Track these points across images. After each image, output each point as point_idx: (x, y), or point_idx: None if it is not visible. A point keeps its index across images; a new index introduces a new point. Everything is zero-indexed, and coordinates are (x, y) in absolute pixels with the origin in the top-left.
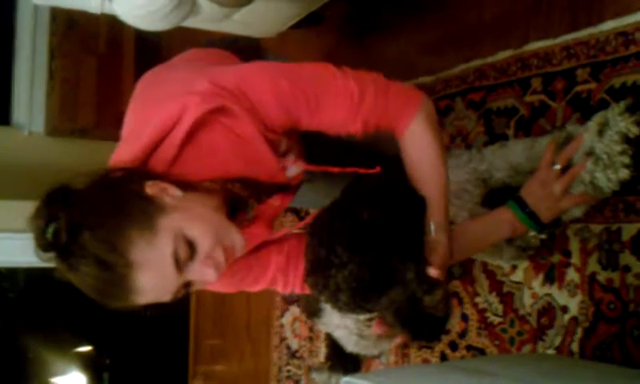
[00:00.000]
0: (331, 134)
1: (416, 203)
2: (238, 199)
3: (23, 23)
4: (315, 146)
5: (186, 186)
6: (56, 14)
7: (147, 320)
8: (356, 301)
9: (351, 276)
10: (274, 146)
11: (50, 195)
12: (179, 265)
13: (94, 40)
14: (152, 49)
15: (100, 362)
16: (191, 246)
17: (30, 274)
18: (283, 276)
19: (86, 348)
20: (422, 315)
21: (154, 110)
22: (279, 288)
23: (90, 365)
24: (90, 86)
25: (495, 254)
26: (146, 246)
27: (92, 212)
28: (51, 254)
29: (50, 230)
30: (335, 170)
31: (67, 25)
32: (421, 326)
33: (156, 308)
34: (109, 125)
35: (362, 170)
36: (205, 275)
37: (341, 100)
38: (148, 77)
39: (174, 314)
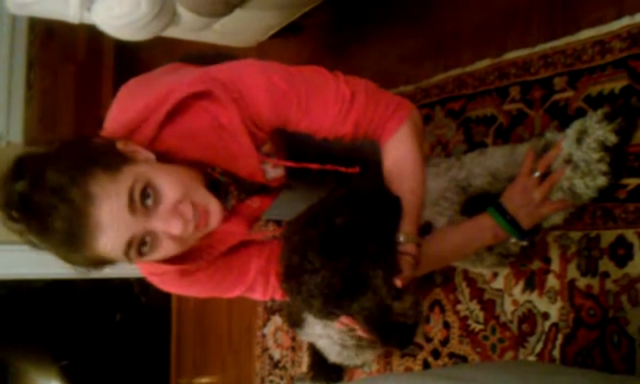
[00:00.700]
0: (317, 138)
1: (390, 209)
2: (217, 184)
3: (1, 33)
4: (296, 150)
5: (163, 157)
6: (34, 23)
7: (128, 332)
8: (328, 307)
9: (323, 282)
10: (257, 143)
11: (20, 158)
12: (133, 203)
13: (72, 49)
14: (131, 58)
15: (80, 376)
16: (156, 194)
17: (7, 287)
18: (264, 278)
19: (65, 362)
20: (391, 321)
21: (139, 100)
22: (258, 294)
23: (69, 379)
24: (68, 95)
25: (475, 261)
26: (106, 180)
27: (59, 157)
28: (17, 223)
29: (19, 184)
30: (315, 166)
31: (46, 34)
32: (390, 332)
33: (132, 313)
34: (88, 134)
35: (341, 169)
36: (169, 225)
37: (332, 101)
38: (132, 82)
39: (155, 325)
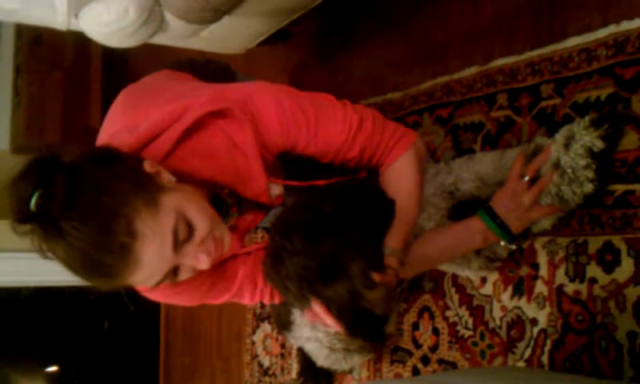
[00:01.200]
0: (319, 162)
1: (383, 209)
2: (221, 204)
3: None
4: (294, 168)
5: (178, 176)
6: (21, 30)
7: (116, 338)
8: (302, 290)
9: (300, 264)
10: (266, 165)
11: (40, 161)
12: (177, 243)
13: (60, 56)
14: (119, 65)
15: (68, 383)
16: (189, 227)
17: None
18: (251, 283)
19: (53, 368)
20: (361, 311)
21: (152, 109)
22: (247, 299)
23: None
24: (56, 102)
25: (463, 264)
26: (150, 218)
27: (94, 178)
28: (29, 226)
29: (37, 194)
30: (321, 183)
31: (33, 41)
32: (358, 321)
33: (118, 320)
34: (76, 141)
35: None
36: (198, 260)
37: (340, 125)
38: (132, 88)
39: (144, 333)
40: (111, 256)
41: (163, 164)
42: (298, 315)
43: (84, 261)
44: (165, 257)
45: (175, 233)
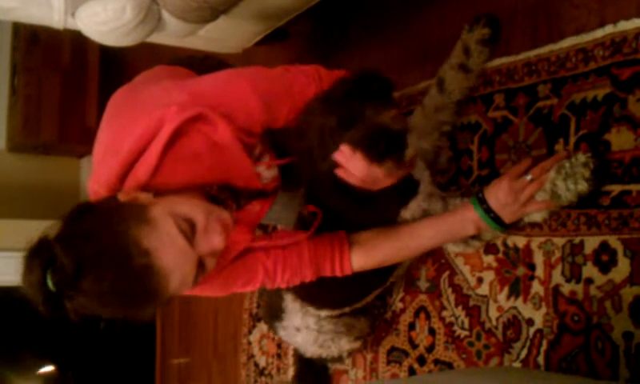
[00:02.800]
0: None
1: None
2: (216, 200)
3: None
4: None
5: (171, 187)
6: (18, 28)
7: (113, 338)
8: (326, 140)
9: (321, 123)
10: (250, 150)
11: (32, 251)
12: (188, 238)
13: (57, 55)
14: (117, 64)
15: (64, 383)
16: (189, 223)
17: None
18: (270, 281)
19: (50, 368)
20: (380, 132)
21: (131, 125)
22: (267, 287)
23: None
24: (53, 101)
25: None
26: (152, 233)
27: (85, 233)
28: (57, 304)
29: (49, 276)
30: None
31: (30, 40)
32: (379, 141)
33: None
34: (73, 140)
35: None
36: (212, 242)
37: (309, 79)
38: (119, 95)
39: (140, 333)
40: (139, 282)
41: (154, 180)
42: (289, 301)
43: (120, 300)
44: (185, 254)
45: (181, 230)
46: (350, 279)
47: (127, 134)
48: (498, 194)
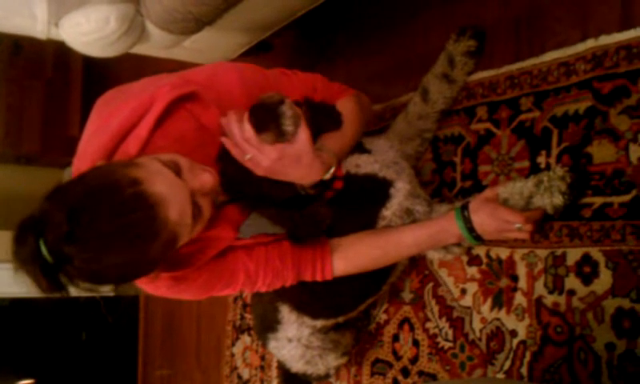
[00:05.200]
0: None
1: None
2: None
3: None
4: None
5: None
6: (1, 38)
7: (94, 350)
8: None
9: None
10: None
11: (21, 224)
12: (174, 171)
13: (40, 65)
14: (100, 75)
15: None
16: (174, 163)
17: None
18: (251, 283)
19: (29, 381)
20: (260, 104)
21: (121, 108)
22: (247, 290)
23: None
24: (36, 111)
25: None
26: (139, 168)
27: (72, 183)
28: (56, 271)
29: (42, 240)
30: None
31: (12, 50)
32: (257, 109)
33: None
34: (55, 151)
35: None
36: (202, 177)
37: (299, 83)
38: (108, 93)
39: (122, 345)
40: (135, 210)
41: (143, 152)
42: (286, 313)
43: (121, 235)
44: (176, 184)
45: (166, 164)
46: (345, 288)
47: (117, 115)
48: (485, 219)
